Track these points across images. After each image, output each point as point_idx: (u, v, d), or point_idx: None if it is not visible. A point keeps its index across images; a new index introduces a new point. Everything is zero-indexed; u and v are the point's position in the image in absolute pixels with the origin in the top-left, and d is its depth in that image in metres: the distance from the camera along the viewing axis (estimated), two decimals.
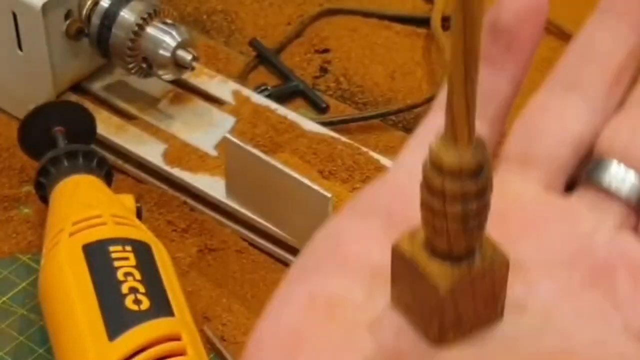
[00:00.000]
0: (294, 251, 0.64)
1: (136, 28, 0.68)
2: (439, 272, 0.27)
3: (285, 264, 0.65)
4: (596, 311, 0.29)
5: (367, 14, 0.82)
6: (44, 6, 0.67)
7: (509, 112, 0.34)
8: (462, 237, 0.27)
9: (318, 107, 0.75)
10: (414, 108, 0.74)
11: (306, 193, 0.60)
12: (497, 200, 0.28)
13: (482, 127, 0.31)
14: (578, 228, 0.30)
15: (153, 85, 0.72)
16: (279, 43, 0.79)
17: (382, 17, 0.82)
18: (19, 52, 0.69)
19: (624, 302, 0.29)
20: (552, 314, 0.28)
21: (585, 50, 0.35)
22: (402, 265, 0.28)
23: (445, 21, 0.81)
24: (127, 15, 0.68)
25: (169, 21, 0.69)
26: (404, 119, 0.75)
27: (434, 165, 0.26)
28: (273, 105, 0.72)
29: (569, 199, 0.31)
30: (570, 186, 0.32)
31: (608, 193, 0.30)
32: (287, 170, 0.61)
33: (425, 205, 0.27)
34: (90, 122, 0.67)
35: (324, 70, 0.78)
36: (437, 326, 0.28)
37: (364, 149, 0.68)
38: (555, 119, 0.33)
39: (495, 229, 0.28)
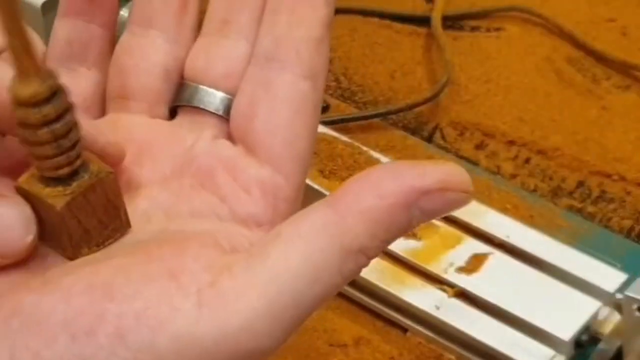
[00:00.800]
0: None
1: None
2: (53, 194, 0.31)
3: None
4: (207, 208, 0.34)
5: (367, 13, 0.82)
6: (44, 5, 0.67)
7: (109, 52, 0.38)
8: (61, 157, 0.31)
9: None
10: (414, 107, 0.74)
11: (306, 193, 0.60)
12: (113, 135, 0.34)
13: (89, 71, 0.37)
14: (181, 144, 0.36)
15: None
16: None
17: (382, 16, 0.82)
18: None
19: (227, 196, 0.34)
20: (171, 217, 0.34)
21: None
22: (27, 200, 0.32)
23: (446, 20, 0.81)
24: (126, 14, 0.68)
25: None
26: (404, 118, 0.75)
27: (16, 102, 0.30)
28: None
29: (172, 123, 0.37)
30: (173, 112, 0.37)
31: (200, 111, 0.36)
32: None
33: (23, 140, 0.31)
34: None
35: None
36: (68, 243, 0.32)
37: (364, 148, 0.68)
38: (140, 55, 0.37)
39: None
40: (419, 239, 0.63)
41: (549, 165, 0.71)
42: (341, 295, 0.63)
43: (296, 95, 0.34)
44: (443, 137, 0.74)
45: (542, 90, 0.76)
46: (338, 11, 0.82)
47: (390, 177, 0.31)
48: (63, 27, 0.37)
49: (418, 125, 0.74)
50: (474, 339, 0.59)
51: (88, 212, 0.32)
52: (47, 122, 0.30)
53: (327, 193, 0.59)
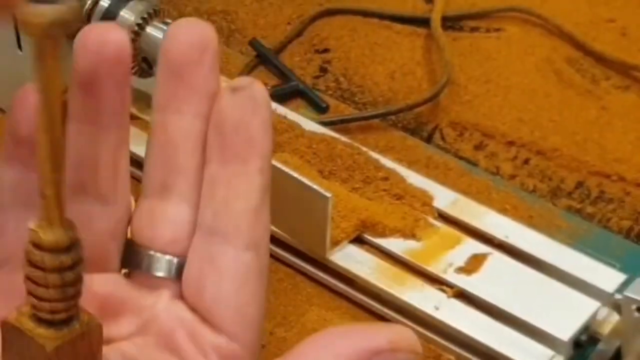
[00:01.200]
0: (294, 251, 0.64)
1: (136, 28, 0.68)
2: (45, 335, 0.32)
3: (286, 264, 0.65)
4: None
5: (367, 14, 0.82)
6: None
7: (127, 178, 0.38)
8: (62, 304, 0.32)
9: (318, 107, 0.75)
10: (413, 108, 0.74)
11: (306, 193, 0.60)
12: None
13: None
14: (142, 302, 0.36)
15: (153, 86, 0.72)
16: (279, 43, 0.80)
17: (382, 17, 0.82)
18: (19, 52, 0.69)
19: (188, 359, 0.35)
20: None
21: None
22: (12, 337, 0.32)
23: (446, 21, 0.81)
24: (126, 15, 0.68)
25: (169, 21, 0.69)
26: (404, 119, 0.75)
27: (34, 244, 0.31)
28: (273, 105, 0.71)
29: (130, 280, 0.37)
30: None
31: (154, 276, 0.36)
32: (287, 170, 0.61)
33: (29, 279, 0.32)
34: None
35: (323, 70, 0.78)
36: None
37: (364, 148, 0.68)
38: (82, 225, 0.35)
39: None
40: (419, 239, 0.63)
41: (548, 165, 0.72)
42: (341, 295, 0.63)
43: (240, 267, 0.35)
44: (442, 138, 0.74)
45: (542, 91, 0.77)
46: (338, 11, 0.82)
47: (344, 339, 0.32)
48: (8, 172, 0.36)
49: (417, 126, 0.75)
50: (473, 339, 0.59)
51: (71, 358, 0.32)
52: (61, 270, 0.31)
53: (326, 193, 0.59)
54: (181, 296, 0.36)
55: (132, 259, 0.37)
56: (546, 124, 0.74)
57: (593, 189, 0.70)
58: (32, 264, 0.32)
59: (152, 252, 0.36)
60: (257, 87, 0.37)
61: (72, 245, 0.32)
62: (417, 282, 0.62)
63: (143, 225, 0.37)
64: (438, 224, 0.64)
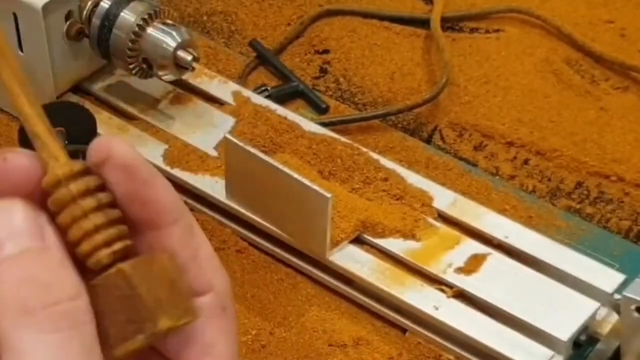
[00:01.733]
0: (294, 251, 0.64)
1: (137, 29, 0.68)
2: (118, 266, 0.30)
3: (286, 264, 0.65)
4: None
5: (366, 15, 0.82)
6: (45, 7, 0.67)
7: None
8: (111, 229, 0.30)
9: (318, 108, 0.75)
10: (413, 108, 0.74)
11: (306, 193, 0.60)
12: None
13: None
14: None
15: (153, 86, 0.73)
16: (278, 44, 0.80)
17: (381, 17, 0.82)
18: (20, 53, 0.69)
19: None
20: None
21: None
22: (98, 291, 0.30)
23: (445, 22, 0.81)
24: (127, 16, 0.68)
25: (169, 22, 0.69)
26: (404, 120, 0.75)
27: (53, 184, 0.30)
28: (273, 105, 0.72)
29: None
30: None
31: None
32: (287, 170, 0.61)
33: (67, 224, 0.30)
34: (91, 122, 0.67)
35: (323, 71, 0.78)
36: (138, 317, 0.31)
37: (364, 149, 0.68)
38: None
39: None
40: (418, 239, 0.63)
41: (548, 166, 0.72)
42: (341, 295, 0.63)
43: None
44: (442, 138, 0.74)
45: (541, 92, 0.77)
46: (338, 12, 0.82)
47: None
48: None
49: (417, 127, 0.75)
50: (472, 339, 0.59)
51: (152, 282, 0.31)
52: (91, 192, 0.31)
53: (326, 194, 0.60)
54: None
55: None
56: (545, 125, 0.74)
57: (592, 189, 0.70)
58: (61, 203, 0.30)
59: None
60: None
61: (87, 170, 0.31)
62: (417, 282, 0.62)
63: None
64: (438, 224, 0.64)
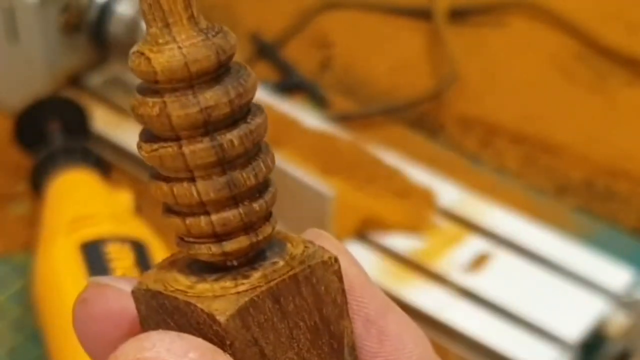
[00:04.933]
0: None
1: (133, 22, 0.68)
2: (210, 291, 0.18)
3: None
4: None
5: (369, 7, 0.82)
6: (41, 0, 0.67)
7: None
8: (234, 210, 0.18)
9: (320, 102, 0.75)
10: (416, 103, 0.74)
11: (307, 191, 0.60)
12: None
13: None
14: None
15: None
16: (280, 37, 0.80)
17: (384, 10, 0.82)
18: (16, 43, 0.69)
19: None
20: None
21: None
22: (152, 306, 0.19)
23: (451, 15, 0.80)
24: (123, 9, 0.68)
25: None
26: (408, 115, 0.75)
27: (154, 77, 0.18)
28: (274, 100, 0.71)
29: None
30: None
31: None
32: (288, 168, 0.61)
33: (155, 175, 0.19)
34: (84, 116, 0.66)
35: (325, 65, 0.78)
36: None
37: (367, 145, 0.68)
38: None
39: None
40: (422, 237, 0.63)
41: (555, 163, 0.71)
42: None
43: None
44: (447, 134, 0.73)
45: (548, 87, 0.77)
46: (339, 5, 0.82)
47: None
48: None
49: (421, 122, 0.74)
50: (478, 339, 0.59)
51: (280, 332, 0.18)
52: (209, 123, 0.18)
53: (327, 192, 0.59)
54: None
55: None
56: (553, 121, 0.74)
57: (600, 186, 0.70)
58: (149, 135, 0.18)
59: None
60: None
61: (226, 60, 0.19)
62: (421, 281, 0.61)
63: None
64: (442, 221, 0.64)
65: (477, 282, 0.60)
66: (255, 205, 0.18)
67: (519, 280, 0.61)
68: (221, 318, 0.17)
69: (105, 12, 0.68)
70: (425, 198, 0.65)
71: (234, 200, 0.18)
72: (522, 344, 0.58)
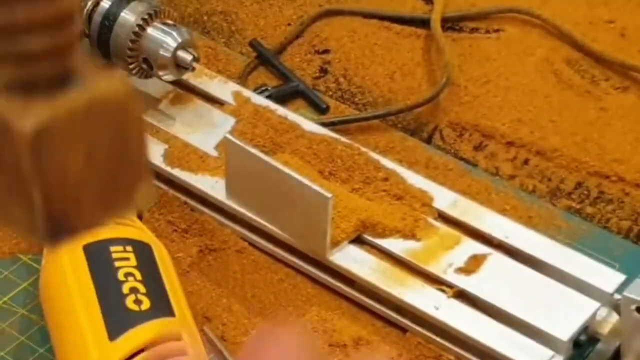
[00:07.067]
0: (294, 251, 0.64)
1: (137, 29, 0.68)
2: (22, 108, 0.17)
3: (286, 264, 0.65)
4: None
5: (366, 15, 0.82)
6: None
7: None
8: (43, 37, 0.17)
9: (318, 108, 0.75)
10: (413, 108, 0.74)
11: (306, 193, 0.60)
12: None
13: None
14: None
15: (153, 86, 0.73)
16: (279, 44, 0.80)
17: (381, 17, 0.82)
18: None
19: None
20: None
21: None
22: None
23: (445, 22, 0.81)
24: (127, 16, 0.68)
25: (169, 22, 0.69)
26: (404, 120, 0.75)
27: None
28: (273, 105, 0.72)
29: None
30: None
31: None
32: (287, 170, 0.61)
33: None
34: None
35: (324, 71, 0.78)
36: (43, 217, 0.17)
37: (364, 149, 0.68)
38: None
39: None
40: (419, 239, 0.63)
41: (548, 166, 0.71)
42: (341, 295, 0.63)
43: None
44: (442, 138, 0.74)
45: (541, 92, 0.77)
46: (338, 12, 0.82)
47: None
48: None
49: (417, 126, 0.75)
50: (473, 340, 0.59)
51: (85, 154, 0.18)
52: None
53: (326, 194, 0.59)
54: None
55: None
56: (546, 125, 0.74)
57: (592, 189, 0.70)
58: None
59: None
60: None
61: None
62: (417, 282, 0.62)
63: None
64: (438, 224, 0.64)
65: (471, 283, 0.61)
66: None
67: (513, 281, 0.61)
68: (27, 129, 0.17)
69: (109, 17, 0.68)
70: (421, 201, 0.65)
71: None
72: (516, 344, 0.59)
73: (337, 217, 0.63)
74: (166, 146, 0.69)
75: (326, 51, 0.80)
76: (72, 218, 0.17)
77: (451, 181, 0.69)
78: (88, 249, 0.57)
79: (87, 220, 0.18)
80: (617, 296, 0.59)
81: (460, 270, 0.62)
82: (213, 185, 0.67)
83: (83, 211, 0.17)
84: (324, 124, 0.71)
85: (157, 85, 0.72)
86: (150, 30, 0.68)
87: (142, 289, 0.55)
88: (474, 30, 0.82)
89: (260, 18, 0.82)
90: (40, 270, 0.59)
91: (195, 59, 0.68)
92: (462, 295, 0.61)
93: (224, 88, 0.73)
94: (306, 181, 0.61)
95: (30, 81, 0.17)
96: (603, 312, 0.60)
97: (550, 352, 0.58)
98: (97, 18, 0.69)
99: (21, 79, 0.17)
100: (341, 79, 0.77)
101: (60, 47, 0.18)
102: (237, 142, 0.63)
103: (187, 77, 0.71)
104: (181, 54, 0.68)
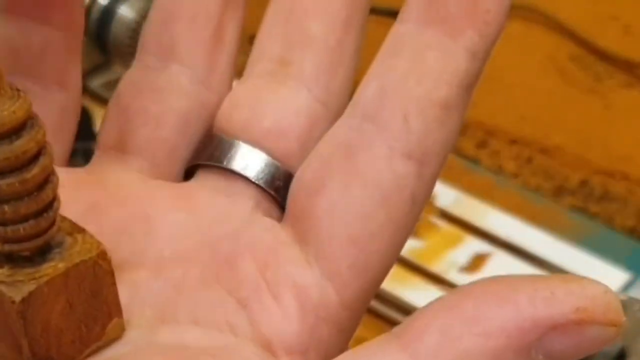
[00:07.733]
0: None
1: (135, 25, 0.68)
2: (9, 280, 0.21)
3: None
4: (218, 313, 0.23)
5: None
6: None
7: (75, 65, 0.28)
8: (27, 224, 0.21)
9: None
10: None
11: None
12: (93, 192, 0.25)
13: (46, 92, 0.27)
14: (196, 217, 0.25)
15: None
16: None
17: (382, 13, 0.82)
18: None
19: (250, 300, 0.24)
20: (164, 320, 0.23)
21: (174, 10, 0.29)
22: None
23: None
24: (126, 12, 0.68)
25: None
26: None
27: None
28: None
29: (185, 187, 0.26)
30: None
31: (230, 175, 0.25)
32: None
33: None
34: (86, 118, 0.67)
35: None
36: (25, 350, 0.21)
37: None
38: (152, 96, 0.27)
39: (93, 224, 0.22)
40: (421, 238, 0.63)
41: (552, 164, 0.71)
42: None
43: (387, 179, 0.24)
44: None
45: (545, 89, 0.76)
46: None
47: (497, 303, 0.21)
48: (3, 28, 0.25)
49: None
50: None
51: (64, 308, 0.22)
52: (15, 159, 0.20)
53: None
54: (265, 212, 0.25)
55: (209, 150, 0.26)
56: (549, 122, 0.74)
57: (597, 187, 0.70)
58: None
59: (241, 143, 0.26)
60: None
61: (28, 121, 0.20)
62: (419, 282, 0.61)
63: (236, 109, 0.27)
64: (440, 223, 0.64)
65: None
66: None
67: None
68: (16, 299, 0.21)
69: (107, 13, 0.68)
70: None
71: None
72: None
73: None
74: None
75: None
76: (54, 356, 0.22)
77: (453, 179, 0.69)
78: None
79: (66, 355, 0.22)
80: (621, 296, 0.59)
81: (462, 269, 0.61)
82: None
83: (63, 348, 0.22)
84: None
85: None
86: None
87: None
88: None
89: (260, 15, 0.82)
90: None
91: None
92: None
93: None
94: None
95: (15, 255, 0.21)
96: None
97: None
98: (95, 14, 0.68)
99: (6, 254, 0.21)
100: None
101: (43, 228, 0.21)
102: None
103: None
104: None
